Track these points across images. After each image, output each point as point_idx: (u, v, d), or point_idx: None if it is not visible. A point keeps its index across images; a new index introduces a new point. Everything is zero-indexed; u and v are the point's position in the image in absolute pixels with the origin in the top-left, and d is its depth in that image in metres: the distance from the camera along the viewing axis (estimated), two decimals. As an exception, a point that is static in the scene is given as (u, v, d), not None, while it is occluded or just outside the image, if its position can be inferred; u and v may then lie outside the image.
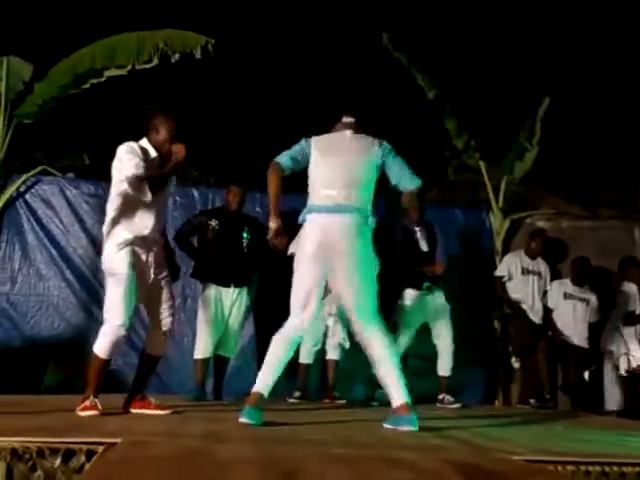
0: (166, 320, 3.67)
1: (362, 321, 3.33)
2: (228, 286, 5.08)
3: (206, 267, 5.11)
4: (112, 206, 3.55)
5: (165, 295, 3.65)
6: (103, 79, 5.54)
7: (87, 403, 3.33)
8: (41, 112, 5.76)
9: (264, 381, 3.25)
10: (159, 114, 3.64)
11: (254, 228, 5.25)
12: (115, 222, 3.51)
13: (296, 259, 3.43)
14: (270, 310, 5.82)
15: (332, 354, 5.44)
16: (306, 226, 3.42)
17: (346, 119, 3.57)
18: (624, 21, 7.95)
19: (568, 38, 8.17)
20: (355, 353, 5.69)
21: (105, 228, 3.56)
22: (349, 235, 3.31)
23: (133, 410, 3.64)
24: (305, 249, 3.36)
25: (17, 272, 5.62)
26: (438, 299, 5.35)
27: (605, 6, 8.09)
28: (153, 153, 3.60)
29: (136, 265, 3.50)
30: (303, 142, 3.50)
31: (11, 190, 5.67)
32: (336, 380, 5.46)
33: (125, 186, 3.47)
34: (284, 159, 3.44)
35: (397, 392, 3.20)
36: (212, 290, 5.06)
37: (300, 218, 3.46)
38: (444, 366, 5.29)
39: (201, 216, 5.30)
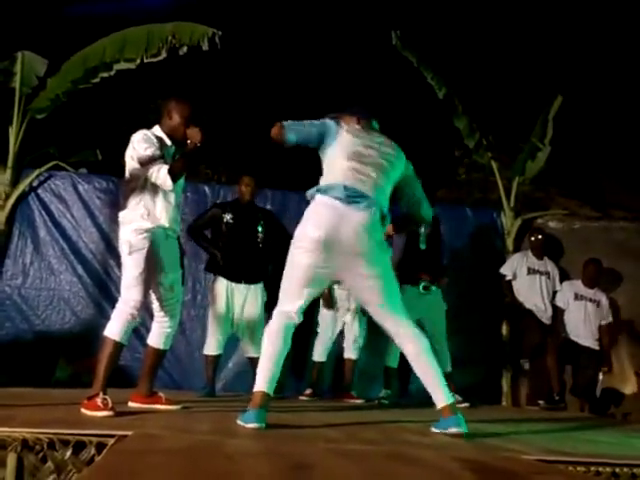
0: (172, 314, 3.64)
1: (393, 321, 3.07)
2: (239, 282, 4.96)
3: (219, 260, 4.99)
4: (128, 194, 3.45)
5: (175, 289, 3.62)
6: (113, 73, 5.54)
7: (98, 402, 3.11)
8: (53, 107, 5.77)
9: (265, 378, 2.98)
10: (171, 99, 3.55)
11: (269, 222, 5.15)
12: (133, 211, 3.42)
13: (294, 241, 3.07)
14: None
15: (350, 353, 5.32)
16: (316, 208, 3.06)
17: (364, 117, 3.33)
18: (638, 19, 7.89)
19: (580, 36, 8.12)
20: (373, 352, 5.54)
21: (122, 216, 3.45)
22: (365, 235, 3.00)
23: (144, 405, 3.59)
24: (307, 234, 3.00)
25: (29, 266, 5.66)
26: (435, 298, 5.20)
27: (619, 3, 8.04)
28: (168, 141, 3.52)
29: (153, 252, 3.40)
30: (330, 123, 3.19)
31: (24, 185, 5.71)
32: (353, 379, 5.37)
33: (142, 174, 3.38)
34: (294, 130, 3.12)
35: (439, 393, 2.98)
36: (223, 285, 4.95)
37: (309, 193, 3.11)
38: (443, 362, 5.16)
39: (215, 208, 5.16)
